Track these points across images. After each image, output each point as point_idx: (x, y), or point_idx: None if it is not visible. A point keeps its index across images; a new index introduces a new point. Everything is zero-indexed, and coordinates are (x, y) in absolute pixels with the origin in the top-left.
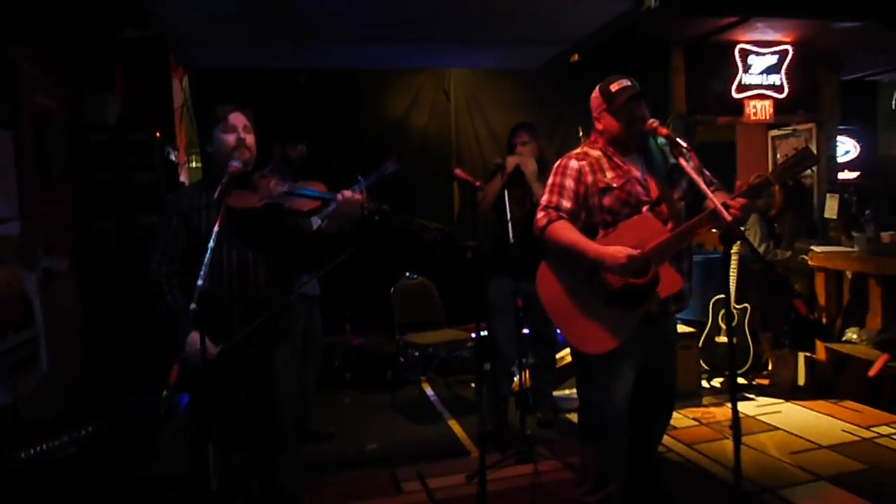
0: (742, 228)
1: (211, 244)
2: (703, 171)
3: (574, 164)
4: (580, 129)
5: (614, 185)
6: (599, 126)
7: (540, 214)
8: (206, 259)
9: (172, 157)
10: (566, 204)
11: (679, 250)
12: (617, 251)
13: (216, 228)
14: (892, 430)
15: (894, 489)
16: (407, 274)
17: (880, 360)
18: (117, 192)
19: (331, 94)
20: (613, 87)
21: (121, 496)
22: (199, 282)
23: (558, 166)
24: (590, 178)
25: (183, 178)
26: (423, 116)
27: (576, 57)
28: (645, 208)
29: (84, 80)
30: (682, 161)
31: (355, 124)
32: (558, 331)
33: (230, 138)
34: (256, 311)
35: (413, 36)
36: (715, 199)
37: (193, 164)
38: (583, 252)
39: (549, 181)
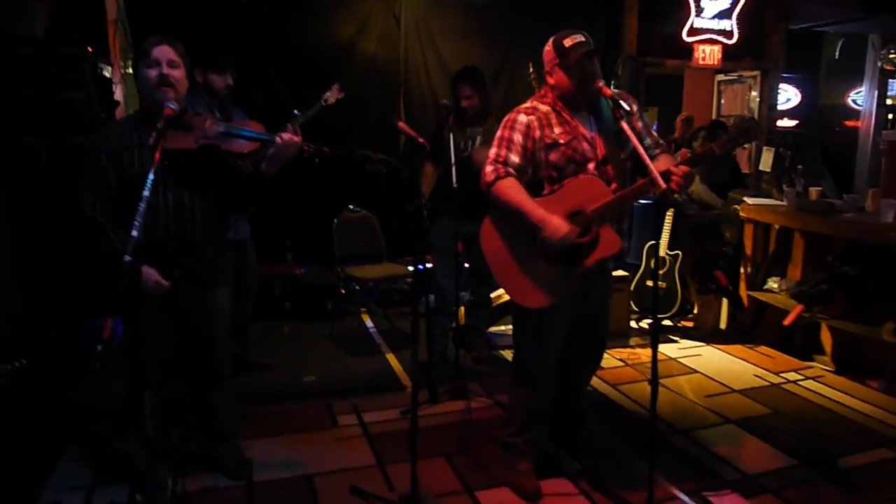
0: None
1: (146, 192)
2: (651, 131)
3: (523, 118)
4: (531, 64)
5: (561, 141)
6: (551, 80)
7: (488, 168)
8: (140, 209)
9: (106, 74)
10: (514, 159)
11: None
12: (559, 226)
13: (151, 176)
14: (799, 377)
15: (792, 433)
16: (350, 207)
17: (795, 311)
18: (45, 110)
19: (275, 17)
20: (567, 43)
21: (54, 426)
22: (134, 233)
23: (507, 120)
24: (538, 133)
25: (118, 96)
26: (372, 42)
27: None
28: (590, 166)
29: None
30: (625, 125)
31: (300, 49)
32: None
33: (152, 73)
34: (194, 252)
35: None
36: (654, 168)
37: (129, 71)
38: (526, 214)
39: (498, 134)
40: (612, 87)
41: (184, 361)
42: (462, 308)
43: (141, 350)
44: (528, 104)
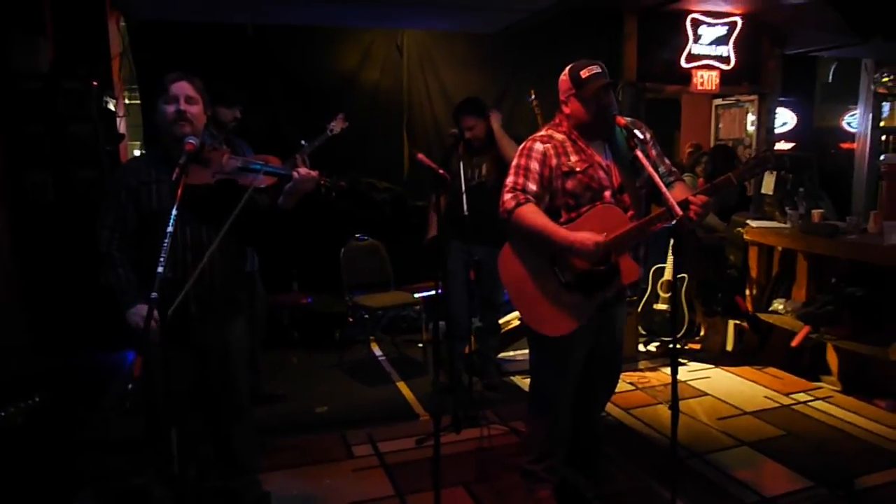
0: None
1: (170, 229)
2: (664, 160)
3: (539, 146)
4: (532, 92)
5: (577, 169)
6: (567, 110)
7: (507, 196)
8: (165, 245)
9: (111, 107)
10: (532, 186)
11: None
12: (586, 237)
13: (174, 211)
14: (808, 397)
15: (806, 454)
16: (357, 236)
17: (802, 332)
18: (52, 144)
19: (279, 48)
20: (584, 74)
21: (73, 463)
22: (160, 269)
23: (523, 148)
24: (554, 161)
25: (122, 129)
26: (375, 72)
27: (533, 94)
28: (607, 194)
29: (12, 22)
30: (640, 153)
31: (304, 79)
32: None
33: (170, 110)
34: (212, 287)
35: None
36: (670, 196)
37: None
38: (551, 236)
39: (514, 162)
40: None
41: (201, 396)
42: (472, 335)
43: (167, 386)
44: (543, 132)
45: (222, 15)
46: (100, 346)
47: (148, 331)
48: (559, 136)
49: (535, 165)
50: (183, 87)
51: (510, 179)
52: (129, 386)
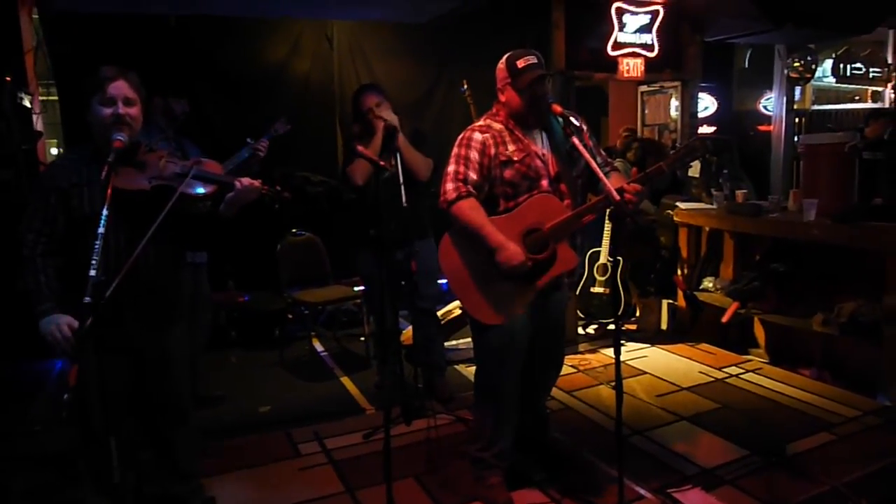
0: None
1: (101, 230)
2: (599, 150)
3: (478, 136)
4: (465, 82)
5: (515, 158)
6: (502, 98)
7: (449, 186)
8: (96, 247)
9: (26, 104)
10: (473, 176)
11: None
12: (515, 254)
13: (105, 212)
14: (740, 370)
15: (740, 425)
16: (293, 230)
17: (731, 308)
18: None
19: (204, 40)
20: (520, 64)
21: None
22: (92, 272)
23: (462, 138)
24: (493, 151)
25: (39, 127)
26: (305, 63)
27: (466, 84)
28: (544, 182)
29: None
30: (576, 141)
31: (232, 72)
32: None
33: (107, 112)
34: (147, 293)
35: None
36: (608, 182)
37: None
38: (486, 238)
39: (455, 151)
40: None
41: (140, 401)
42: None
43: (103, 393)
44: (481, 122)
45: (142, 6)
46: (24, 354)
47: (83, 336)
48: (497, 126)
49: (474, 155)
50: (121, 88)
51: (451, 168)
52: (66, 396)
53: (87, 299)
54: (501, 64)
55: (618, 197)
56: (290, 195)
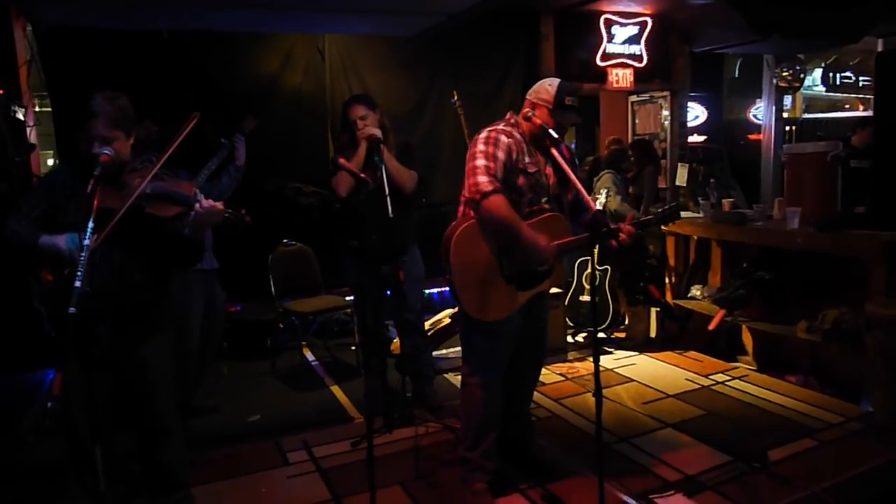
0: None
1: (86, 242)
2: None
3: (504, 139)
4: (454, 93)
5: (530, 170)
6: (532, 113)
7: (483, 178)
8: (82, 258)
9: (20, 116)
10: (500, 174)
11: None
12: (547, 245)
13: (90, 224)
14: (726, 377)
15: (725, 431)
16: (285, 241)
17: (718, 315)
18: None
19: (197, 54)
20: (568, 101)
21: None
22: (77, 283)
23: (489, 137)
24: (515, 156)
25: (33, 139)
26: (297, 76)
27: (455, 96)
28: (545, 199)
29: None
30: (555, 152)
31: (224, 86)
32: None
33: (87, 147)
34: (122, 308)
35: (285, 3)
36: (588, 199)
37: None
38: (519, 232)
39: (482, 148)
40: None
41: (124, 414)
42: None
43: (88, 404)
44: (503, 126)
45: (136, 21)
46: (16, 366)
47: (66, 346)
48: (517, 136)
49: (501, 155)
50: (99, 129)
51: (481, 162)
52: (49, 404)
53: (72, 309)
54: (550, 87)
55: (594, 206)
56: (251, 219)
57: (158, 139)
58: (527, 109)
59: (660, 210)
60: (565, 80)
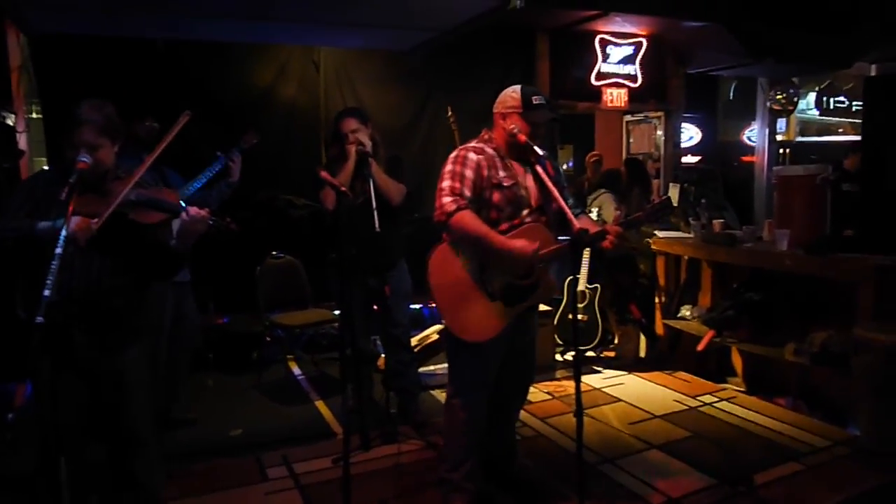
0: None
1: (58, 250)
2: (564, 185)
3: (473, 156)
4: (449, 108)
5: (505, 184)
6: (504, 124)
7: (447, 199)
8: (52, 267)
9: (10, 122)
10: (467, 192)
11: None
12: (524, 244)
13: (64, 232)
14: (714, 399)
15: (710, 454)
16: (273, 253)
17: (707, 336)
18: None
19: (192, 64)
20: (535, 100)
21: None
22: (46, 292)
23: (457, 156)
24: (485, 173)
25: (23, 145)
26: (292, 88)
27: (450, 111)
28: (525, 212)
29: None
30: (539, 169)
31: (219, 96)
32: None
33: (71, 156)
34: (101, 315)
35: (279, 15)
36: (569, 211)
37: (33, 115)
38: (491, 242)
39: (449, 168)
40: None
41: (100, 424)
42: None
43: (54, 414)
44: (474, 144)
45: (130, 30)
46: None
47: (36, 356)
48: (489, 151)
49: (469, 173)
50: (85, 136)
51: (447, 184)
52: (10, 416)
53: (40, 319)
54: (513, 93)
55: (577, 224)
56: (237, 227)
57: (159, 138)
58: (499, 121)
59: (648, 206)
60: (561, 98)
